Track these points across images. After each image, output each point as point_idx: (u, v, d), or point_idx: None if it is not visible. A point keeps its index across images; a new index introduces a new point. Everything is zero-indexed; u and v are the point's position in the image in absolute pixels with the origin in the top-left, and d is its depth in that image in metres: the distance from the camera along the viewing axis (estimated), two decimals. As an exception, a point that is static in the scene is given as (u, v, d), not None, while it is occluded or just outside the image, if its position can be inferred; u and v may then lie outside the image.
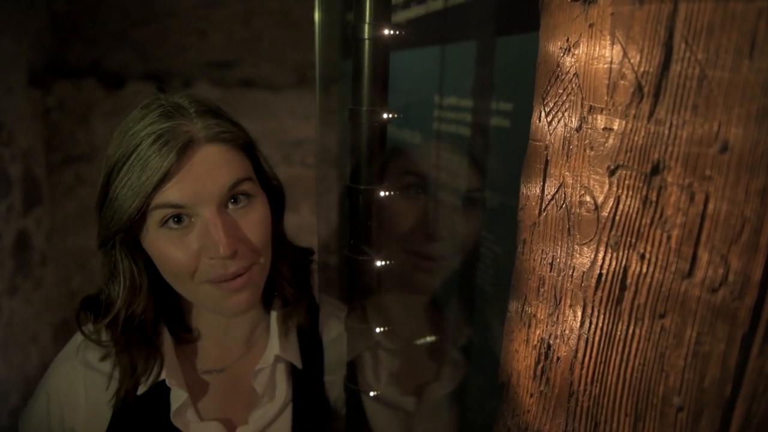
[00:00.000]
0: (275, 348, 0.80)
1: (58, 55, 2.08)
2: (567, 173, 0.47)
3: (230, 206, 0.70)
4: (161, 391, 0.75)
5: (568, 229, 0.47)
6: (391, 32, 0.63)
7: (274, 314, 0.84)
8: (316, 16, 1.19)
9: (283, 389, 0.81)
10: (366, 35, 0.63)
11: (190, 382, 0.78)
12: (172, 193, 0.66)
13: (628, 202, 0.40)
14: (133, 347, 0.74)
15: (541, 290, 0.51)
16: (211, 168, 0.67)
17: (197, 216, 0.68)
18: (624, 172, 0.40)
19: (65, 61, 2.09)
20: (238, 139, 0.71)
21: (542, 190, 0.51)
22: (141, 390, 0.75)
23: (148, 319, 0.75)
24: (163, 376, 0.75)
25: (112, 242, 0.70)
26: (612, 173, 0.41)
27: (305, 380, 0.83)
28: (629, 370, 0.40)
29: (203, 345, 0.82)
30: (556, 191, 0.48)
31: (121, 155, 0.67)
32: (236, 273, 0.69)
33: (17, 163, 1.88)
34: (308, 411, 0.83)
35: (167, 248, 0.68)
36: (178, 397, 0.75)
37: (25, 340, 1.88)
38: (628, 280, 0.40)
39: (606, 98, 0.41)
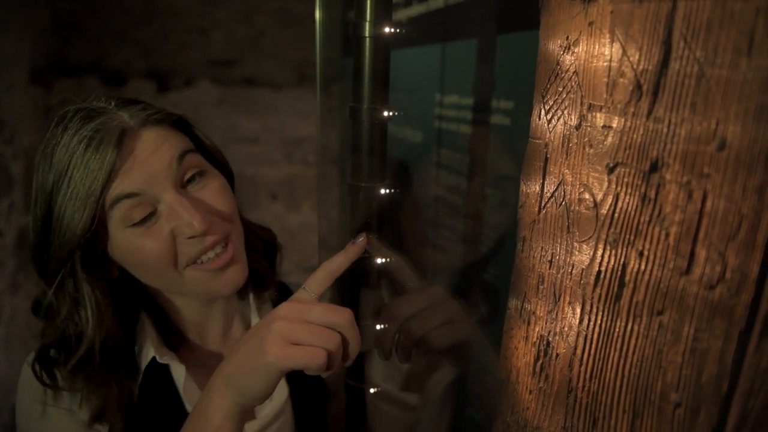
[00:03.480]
0: None
1: (59, 53, 2.09)
2: (566, 171, 0.47)
3: (187, 186, 0.69)
4: (163, 380, 0.75)
5: (568, 227, 0.47)
6: (392, 30, 0.63)
7: (251, 304, 0.84)
8: (317, 14, 1.19)
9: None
10: (367, 33, 0.63)
11: (191, 372, 0.78)
12: (122, 184, 0.64)
13: (626, 200, 0.40)
14: (108, 377, 0.70)
15: (541, 287, 0.51)
16: (154, 149, 0.66)
17: (159, 203, 0.67)
18: (623, 169, 0.40)
19: (67, 59, 2.09)
20: (169, 117, 0.71)
21: (542, 188, 0.51)
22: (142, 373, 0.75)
23: (117, 344, 0.72)
24: (166, 360, 0.75)
25: (71, 265, 0.67)
26: (611, 171, 0.41)
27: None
28: (627, 366, 0.40)
29: (187, 344, 0.82)
30: (556, 189, 0.49)
31: (56, 174, 0.65)
32: (215, 243, 0.69)
33: (19, 161, 1.89)
34: (307, 397, 0.84)
35: (139, 243, 0.66)
36: (179, 372, 0.76)
37: (26, 338, 1.89)
38: (627, 278, 0.40)
39: (605, 96, 0.41)
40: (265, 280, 0.84)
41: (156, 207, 0.67)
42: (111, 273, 0.72)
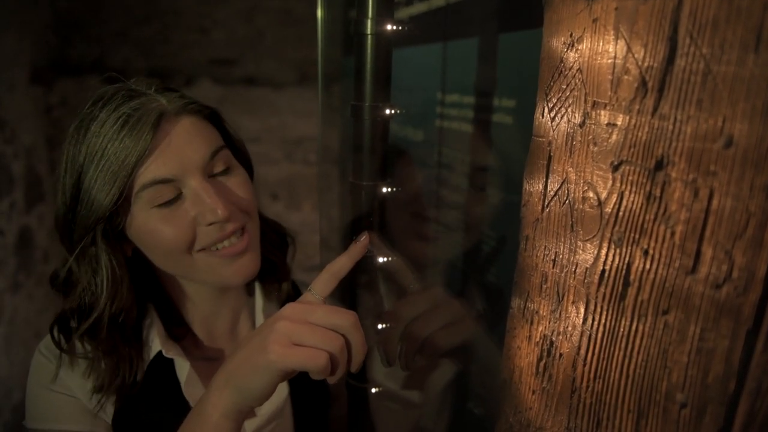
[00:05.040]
0: None
1: (60, 53, 2.08)
2: (570, 169, 0.47)
3: (213, 175, 0.71)
4: (165, 372, 0.75)
5: (571, 225, 0.46)
6: (394, 28, 0.63)
7: (258, 302, 0.84)
8: (319, 13, 1.19)
9: None
10: (369, 31, 0.62)
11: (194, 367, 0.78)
12: (156, 168, 0.66)
13: (631, 198, 0.39)
14: (119, 347, 0.71)
15: (544, 287, 0.51)
16: (189, 138, 0.68)
17: (185, 188, 0.68)
18: (627, 167, 0.40)
19: (68, 58, 2.09)
20: (204, 109, 0.73)
21: (545, 186, 0.51)
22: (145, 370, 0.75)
23: (130, 319, 0.73)
24: (171, 355, 0.75)
25: (92, 236, 0.69)
26: (615, 169, 0.41)
27: None
28: (632, 366, 0.40)
29: (193, 339, 0.82)
30: (559, 187, 0.48)
31: (90, 147, 0.66)
32: (233, 232, 0.70)
33: (20, 161, 1.89)
34: (306, 397, 0.84)
35: (160, 226, 0.68)
36: (183, 367, 0.76)
37: (27, 337, 1.89)
38: (632, 277, 0.40)
39: (610, 93, 0.41)
40: (279, 270, 0.85)
41: (182, 191, 0.68)
42: (125, 252, 0.73)
